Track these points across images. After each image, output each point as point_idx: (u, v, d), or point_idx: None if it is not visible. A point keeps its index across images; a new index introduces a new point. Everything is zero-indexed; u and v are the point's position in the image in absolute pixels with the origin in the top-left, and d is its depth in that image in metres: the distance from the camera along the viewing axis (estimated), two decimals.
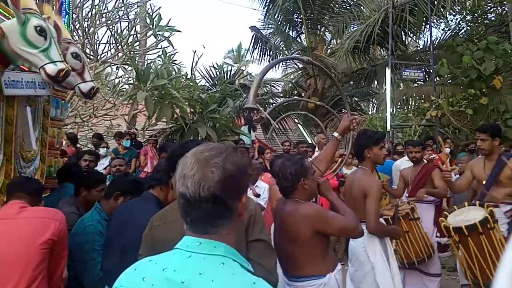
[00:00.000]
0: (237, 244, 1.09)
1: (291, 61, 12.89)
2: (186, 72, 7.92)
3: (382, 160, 3.20)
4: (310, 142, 10.07)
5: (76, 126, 8.28)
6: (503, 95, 8.82)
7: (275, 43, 13.20)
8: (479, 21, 13.36)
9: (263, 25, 13.71)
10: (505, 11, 12.20)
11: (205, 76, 11.26)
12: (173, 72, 6.43)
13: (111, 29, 7.56)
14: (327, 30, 13.30)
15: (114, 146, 8.15)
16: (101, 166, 6.80)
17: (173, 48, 7.20)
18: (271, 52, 13.02)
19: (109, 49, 7.74)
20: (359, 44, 10.57)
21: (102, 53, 7.74)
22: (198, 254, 1.00)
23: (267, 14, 13.06)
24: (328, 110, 11.90)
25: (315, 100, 11.47)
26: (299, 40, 13.46)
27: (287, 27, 13.19)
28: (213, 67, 11.13)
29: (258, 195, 5.55)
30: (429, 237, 4.59)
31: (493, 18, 13.32)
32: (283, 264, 2.45)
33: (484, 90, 8.63)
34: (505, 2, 11.28)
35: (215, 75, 11.06)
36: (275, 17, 12.74)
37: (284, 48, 13.18)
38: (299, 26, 13.02)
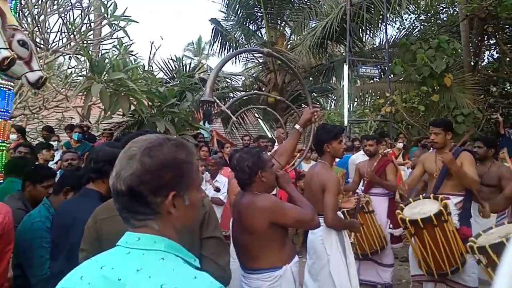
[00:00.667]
0: (188, 240, 1.05)
1: (251, 54, 12.87)
2: (143, 64, 7.71)
3: (341, 154, 3.25)
4: (270, 136, 10.12)
5: (24, 119, 7.86)
6: (453, 92, 9.25)
7: (236, 36, 13.12)
8: (432, 21, 13.94)
9: (224, 17, 13.60)
10: (456, 12, 12.78)
11: (163, 69, 11.02)
12: (130, 63, 6.23)
13: (63, 17, 7.20)
14: (287, 25, 13.39)
15: (67, 139, 7.81)
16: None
17: (129, 38, 6.99)
18: (231, 45, 12.93)
19: (61, 38, 7.37)
20: (319, 40, 10.71)
21: (53, 42, 7.37)
22: (137, 250, 0.97)
23: (228, 7, 12.95)
24: (288, 104, 12.04)
25: (275, 95, 11.59)
26: (260, 34, 13.46)
27: (248, 21, 13.15)
28: (172, 59, 10.91)
29: (218, 190, 5.51)
30: (383, 229, 4.74)
31: (445, 18, 13.95)
32: (240, 257, 2.45)
33: (435, 87, 9.01)
34: (456, 3, 11.80)
35: (174, 68, 10.85)
36: (235, 10, 12.66)
37: (244, 42, 13.13)
38: (260, 20, 13.02)
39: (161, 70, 10.82)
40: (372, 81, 12.41)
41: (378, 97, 9.94)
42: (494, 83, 14.96)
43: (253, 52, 12.58)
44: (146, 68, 7.41)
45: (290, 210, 2.35)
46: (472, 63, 12.27)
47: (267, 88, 12.24)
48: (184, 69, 10.45)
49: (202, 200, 1.21)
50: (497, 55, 15.91)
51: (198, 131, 7.59)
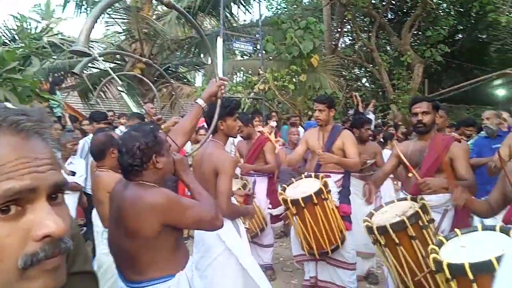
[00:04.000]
0: None
1: (113, 19, 11.41)
2: None
3: (235, 132, 2.86)
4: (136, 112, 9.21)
5: None
6: (318, 73, 9.65)
7: None
8: (297, 3, 14.47)
9: None
10: None
11: (1, 29, 9.09)
12: None
13: None
14: None
15: None
16: None
17: None
18: (88, 8, 11.33)
19: None
20: (189, 11, 10.08)
21: None
22: None
23: None
24: (158, 77, 11.20)
25: (141, 68, 10.61)
26: None
27: None
28: (13, 16, 9.02)
29: (73, 173, 4.73)
30: (262, 210, 4.60)
31: (307, 2, 14.63)
32: (121, 267, 1.89)
33: (304, 67, 9.26)
34: None
35: (15, 28, 9.00)
36: None
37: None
38: None
39: None
40: (241, 58, 12.33)
41: (250, 74, 9.85)
42: (347, 67, 16.44)
43: (122, 15, 11.11)
44: None
45: (189, 208, 1.84)
46: (333, 47, 13.13)
47: (132, 59, 11.12)
48: (30, 31, 8.74)
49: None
50: (349, 41, 17.50)
51: (49, 105, 6.38)
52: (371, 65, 14.26)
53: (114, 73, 9.83)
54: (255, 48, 9.93)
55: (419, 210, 2.45)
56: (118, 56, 11.69)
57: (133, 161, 1.79)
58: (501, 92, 14.37)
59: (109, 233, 1.92)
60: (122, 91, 11.51)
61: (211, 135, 2.84)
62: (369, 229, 2.54)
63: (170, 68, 12.62)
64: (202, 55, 13.14)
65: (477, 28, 14.29)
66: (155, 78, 11.33)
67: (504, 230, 2.01)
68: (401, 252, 2.42)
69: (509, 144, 3.74)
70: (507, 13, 10.96)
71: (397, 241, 2.40)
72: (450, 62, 14.47)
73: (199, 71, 14.01)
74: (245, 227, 2.95)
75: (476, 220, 3.82)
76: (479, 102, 15.40)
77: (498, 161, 3.59)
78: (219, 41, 8.32)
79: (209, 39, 11.21)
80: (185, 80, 14.16)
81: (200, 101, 2.26)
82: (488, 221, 3.21)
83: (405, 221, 2.39)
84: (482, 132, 5.18)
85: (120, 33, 12.19)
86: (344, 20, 14.40)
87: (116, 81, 10.72)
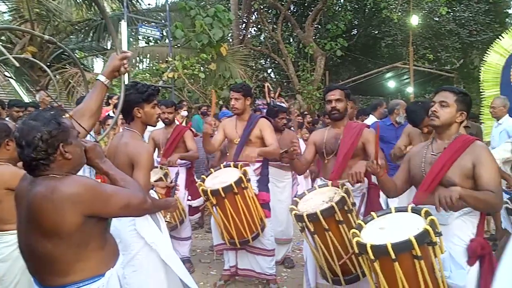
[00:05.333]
0: None
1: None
2: None
3: (155, 121, 2.66)
4: (27, 101, 8.28)
5: None
6: (228, 62, 9.61)
7: None
8: None
9: None
10: None
11: None
12: None
13: None
14: None
15: None
16: None
17: None
18: None
19: None
20: None
21: None
22: None
23: None
24: (52, 63, 10.14)
25: (32, 52, 9.50)
26: None
27: None
28: None
29: None
30: (181, 201, 4.45)
31: None
32: (38, 274, 1.66)
33: (213, 56, 9.14)
34: None
35: None
36: None
37: None
38: None
39: None
40: (147, 44, 11.75)
41: (158, 61, 9.43)
42: (254, 57, 16.71)
43: None
44: None
45: (113, 194, 1.66)
46: (240, 37, 13.19)
47: (22, 41, 9.88)
48: None
49: None
50: (255, 32, 17.76)
51: None
52: (278, 56, 14.65)
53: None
54: (162, 34, 9.50)
55: (345, 195, 2.54)
56: (3, 38, 10.33)
57: (37, 154, 1.55)
58: (391, 84, 15.82)
59: (19, 237, 1.66)
60: (10, 77, 10.28)
61: (126, 124, 2.62)
62: (299, 217, 2.57)
63: (65, 53, 11.52)
64: (101, 40, 12.25)
65: (371, 24, 15.50)
66: (48, 64, 10.27)
67: (415, 211, 2.17)
68: (329, 237, 2.49)
69: (409, 132, 4.07)
70: (399, 11, 12.04)
71: (326, 226, 2.46)
72: (347, 55, 15.52)
73: (97, 57, 13.01)
74: (166, 221, 2.82)
75: (382, 203, 4.13)
76: (372, 93, 16.85)
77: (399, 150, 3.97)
78: (123, 24, 7.82)
79: (111, 22, 10.48)
80: (82, 66, 13.06)
81: (101, 78, 2.02)
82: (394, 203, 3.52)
83: (334, 207, 2.45)
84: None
85: (5, 12, 10.74)
86: (251, 11, 14.56)
87: (3, 66, 9.54)
